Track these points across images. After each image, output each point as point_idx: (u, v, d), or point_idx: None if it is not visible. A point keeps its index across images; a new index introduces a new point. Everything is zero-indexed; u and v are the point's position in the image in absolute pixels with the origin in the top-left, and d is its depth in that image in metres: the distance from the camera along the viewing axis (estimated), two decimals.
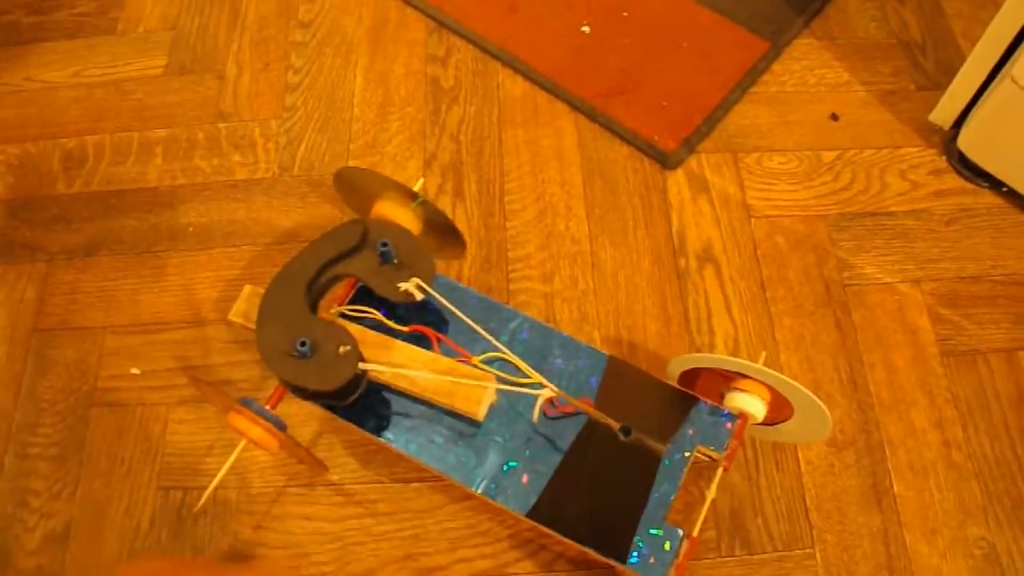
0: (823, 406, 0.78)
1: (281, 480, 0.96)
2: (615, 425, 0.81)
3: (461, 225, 1.09)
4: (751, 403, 0.82)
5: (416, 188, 0.89)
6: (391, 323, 0.87)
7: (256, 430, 0.79)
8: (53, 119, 1.25)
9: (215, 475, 0.94)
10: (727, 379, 0.84)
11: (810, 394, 0.78)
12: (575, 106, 1.16)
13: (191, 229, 1.13)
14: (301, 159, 1.17)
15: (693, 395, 0.84)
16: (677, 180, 1.10)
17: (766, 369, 0.78)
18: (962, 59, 1.03)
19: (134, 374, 1.04)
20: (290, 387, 0.83)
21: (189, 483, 0.98)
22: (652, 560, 0.78)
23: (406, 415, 0.86)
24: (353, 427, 0.86)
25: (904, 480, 0.91)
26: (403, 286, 0.83)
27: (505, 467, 0.83)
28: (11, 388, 1.05)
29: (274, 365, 0.80)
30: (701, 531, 0.90)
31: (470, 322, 0.85)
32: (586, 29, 1.21)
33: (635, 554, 0.78)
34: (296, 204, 1.13)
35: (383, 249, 0.83)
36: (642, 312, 1.02)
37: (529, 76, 1.18)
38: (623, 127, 1.13)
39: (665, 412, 0.83)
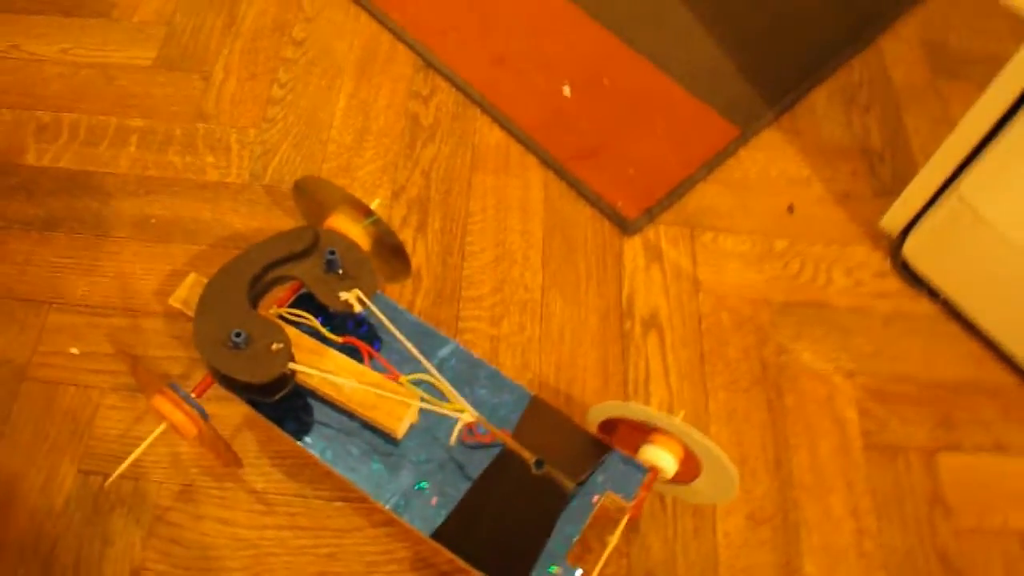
0: (729, 462, 0.79)
1: (204, 480, 0.95)
2: (530, 457, 0.81)
3: (419, 259, 1.10)
4: (663, 457, 0.83)
5: (372, 207, 0.90)
6: (326, 331, 0.87)
7: (178, 415, 0.79)
8: (33, 90, 1.25)
9: (139, 465, 0.93)
10: (644, 433, 0.85)
11: (718, 450, 0.79)
12: (546, 162, 1.17)
13: (153, 221, 1.12)
14: (273, 171, 1.17)
15: (608, 443, 0.86)
16: (633, 246, 1.12)
17: (679, 422, 0.79)
18: (917, 172, 1.07)
19: (73, 354, 1.02)
20: (218, 376, 0.83)
21: (111, 470, 0.92)
22: None
23: (327, 423, 0.86)
24: (274, 428, 0.86)
25: (816, 562, 0.92)
26: (344, 295, 0.85)
27: (416, 487, 0.84)
28: None
29: (206, 352, 0.80)
30: None
31: (402, 338, 0.85)
32: (567, 91, 1.24)
33: None
34: (261, 213, 1.13)
35: (330, 257, 0.84)
36: (583, 367, 1.03)
37: (506, 127, 1.20)
38: (589, 189, 1.15)
39: (579, 455, 0.84)
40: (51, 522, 0.92)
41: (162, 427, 0.82)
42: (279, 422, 0.87)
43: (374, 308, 0.86)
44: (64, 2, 1.36)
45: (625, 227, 1.13)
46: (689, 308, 1.08)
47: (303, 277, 0.86)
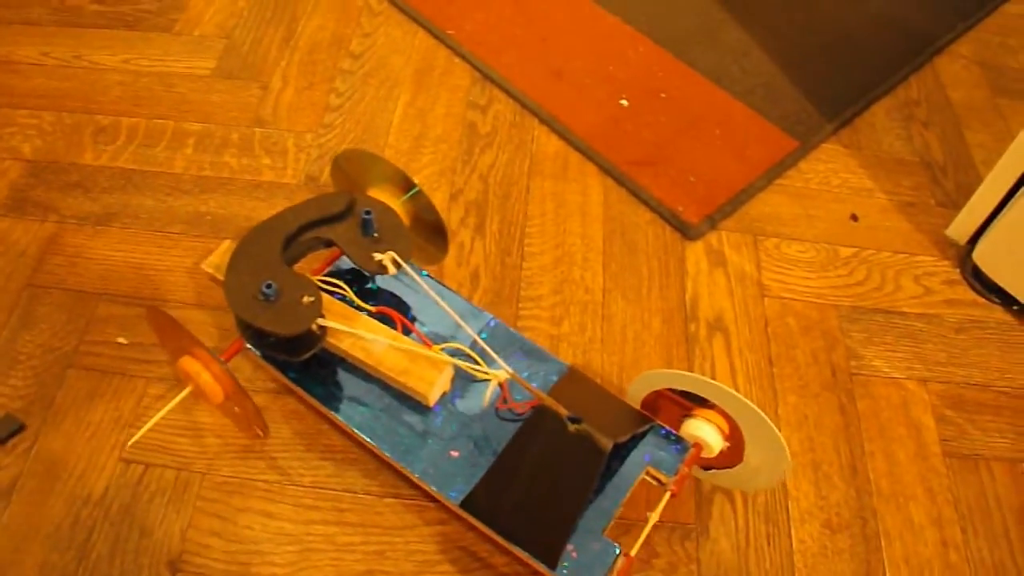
0: (775, 429, 0.72)
1: (250, 472, 0.86)
2: (563, 412, 0.72)
3: (477, 258, 1.03)
4: (708, 432, 0.77)
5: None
6: (359, 300, 0.83)
7: (205, 375, 0.73)
8: (94, 96, 1.22)
9: (182, 455, 0.86)
10: (687, 408, 0.79)
11: (768, 420, 0.72)
12: (605, 169, 1.12)
13: (208, 218, 1.07)
14: (328, 172, 1.12)
15: (649, 416, 0.78)
16: (696, 251, 1.05)
17: (725, 386, 0.73)
18: (980, 184, 1.01)
19: (120, 343, 0.95)
20: (248, 334, 0.77)
21: (153, 459, 0.87)
22: (582, 573, 0.71)
23: (356, 390, 0.82)
24: (301, 395, 0.82)
25: (898, 573, 0.82)
26: (378, 256, 0.79)
27: (446, 455, 0.77)
28: None
29: (236, 305, 0.74)
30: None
31: (437, 298, 0.81)
32: (625, 103, 1.19)
33: (566, 565, 0.71)
34: None
35: (365, 217, 0.80)
36: (647, 368, 0.95)
37: (564, 136, 1.15)
38: (649, 195, 1.09)
39: (617, 422, 0.76)
40: (88, 510, 0.84)
41: (188, 390, 0.76)
42: (307, 387, 0.82)
43: (409, 269, 0.81)
44: (129, 17, 1.34)
45: (687, 232, 1.06)
46: (755, 312, 1.00)
47: (338, 239, 0.81)
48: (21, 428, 0.90)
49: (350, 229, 0.82)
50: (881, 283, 1.04)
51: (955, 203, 1.10)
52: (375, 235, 0.82)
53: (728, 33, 1.30)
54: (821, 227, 1.09)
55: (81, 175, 1.12)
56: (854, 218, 1.09)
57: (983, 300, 1.02)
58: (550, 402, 0.73)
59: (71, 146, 1.16)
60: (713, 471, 0.83)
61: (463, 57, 1.26)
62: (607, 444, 0.71)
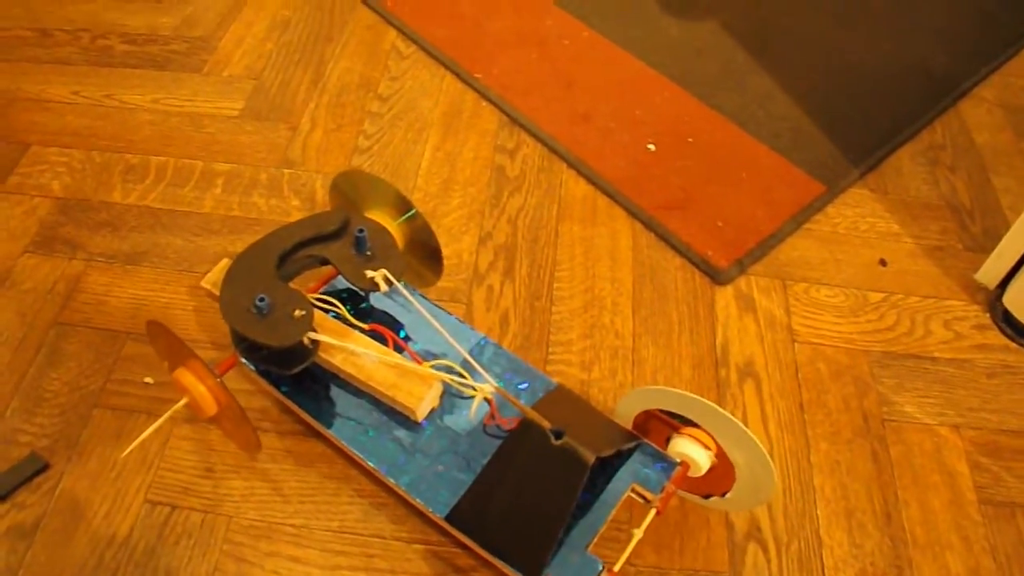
0: (747, 430, 0.72)
1: (277, 516, 0.85)
2: (547, 424, 0.71)
3: (507, 302, 1.02)
4: (695, 451, 0.76)
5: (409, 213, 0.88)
6: (352, 319, 0.85)
7: (200, 388, 0.74)
8: (123, 135, 1.22)
9: (208, 497, 0.85)
10: (675, 428, 0.79)
11: (753, 437, 0.72)
12: (633, 213, 1.12)
13: None
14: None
15: (635, 434, 0.79)
16: (725, 295, 1.04)
17: (706, 402, 0.73)
18: (1008, 228, 1.00)
19: (147, 383, 0.94)
20: (242, 347, 0.78)
21: (179, 501, 0.86)
22: None
23: (347, 405, 0.84)
24: (300, 412, 0.83)
25: None
26: (370, 274, 0.81)
27: (433, 470, 0.78)
28: (16, 373, 0.95)
29: (230, 317, 0.76)
30: None
31: (427, 315, 0.82)
32: (652, 147, 1.19)
33: None
34: None
35: (359, 235, 0.81)
36: None
37: (592, 180, 1.15)
38: (678, 239, 1.08)
39: (602, 440, 0.75)
40: (113, 551, 0.83)
41: (183, 401, 0.76)
42: (298, 401, 0.83)
43: (401, 287, 0.82)
44: (159, 57, 1.35)
45: (716, 277, 1.05)
46: (785, 358, 0.99)
47: (331, 257, 0.83)
48: (45, 467, 0.89)
49: (344, 247, 0.84)
50: (911, 328, 1.03)
51: (983, 247, 1.09)
52: (368, 253, 0.83)
53: (753, 78, 1.30)
54: (850, 272, 1.08)
55: (110, 213, 1.12)
56: (883, 263, 1.09)
57: (1015, 345, 1.01)
58: (533, 415, 0.72)
59: (100, 184, 1.16)
60: (727, 496, 0.82)
61: (490, 101, 1.26)
62: (590, 457, 0.70)
